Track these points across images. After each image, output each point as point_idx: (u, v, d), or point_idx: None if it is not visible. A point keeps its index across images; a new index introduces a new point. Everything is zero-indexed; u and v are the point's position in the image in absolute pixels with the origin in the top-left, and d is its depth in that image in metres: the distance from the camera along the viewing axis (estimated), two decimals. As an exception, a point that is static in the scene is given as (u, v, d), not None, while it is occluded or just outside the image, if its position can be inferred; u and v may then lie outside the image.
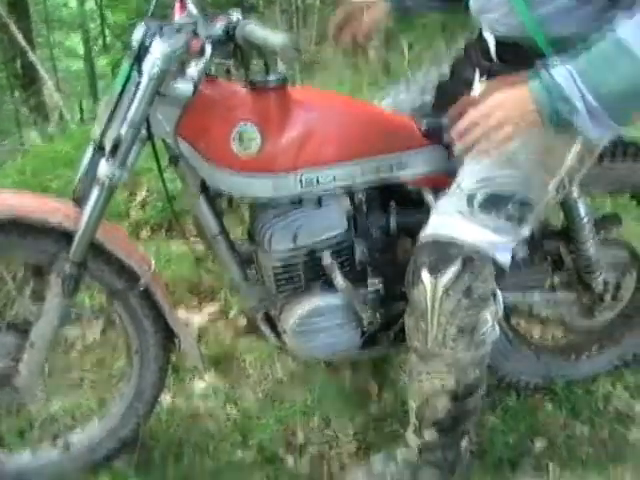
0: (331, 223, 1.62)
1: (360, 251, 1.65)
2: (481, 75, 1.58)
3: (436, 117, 1.63)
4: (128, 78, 1.43)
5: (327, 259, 1.60)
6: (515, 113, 1.26)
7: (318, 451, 1.87)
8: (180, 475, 1.77)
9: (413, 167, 1.63)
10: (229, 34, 1.41)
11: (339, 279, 1.62)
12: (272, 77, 1.48)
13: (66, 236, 1.51)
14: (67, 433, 1.81)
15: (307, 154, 1.52)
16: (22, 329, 1.60)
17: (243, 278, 1.67)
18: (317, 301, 1.63)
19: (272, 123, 1.49)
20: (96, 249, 1.54)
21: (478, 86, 1.57)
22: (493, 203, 1.45)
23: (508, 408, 1.97)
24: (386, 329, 1.72)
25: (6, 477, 1.74)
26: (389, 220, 1.67)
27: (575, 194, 1.73)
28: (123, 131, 1.42)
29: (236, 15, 1.44)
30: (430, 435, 1.62)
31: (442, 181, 1.59)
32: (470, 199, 1.45)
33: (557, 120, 1.25)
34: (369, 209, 1.65)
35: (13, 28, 6.06)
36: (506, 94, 1.27)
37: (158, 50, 1.38)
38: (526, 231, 1.50)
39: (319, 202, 1.59)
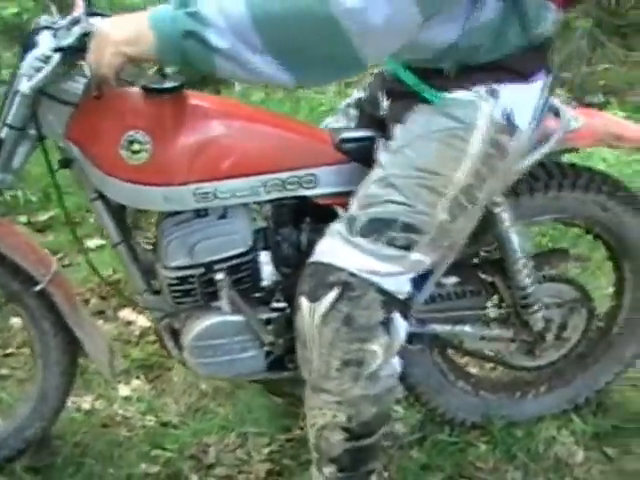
0: (233, 239, 1.51)
1: (265, 270, 1.56)
2: (386, 95, 1.49)
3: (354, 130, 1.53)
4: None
5: (222, 278, 1.50)
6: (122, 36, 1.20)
7: (226, 474, 1.79)
8: (75, 483, 1.72)
9: (325, 185, 1.51)
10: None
11: (236, 300, 1.53)
12: (167, 82, 1.40)
13: None
14: None
15: (202, 166, 1.42)
16: None
17: (146, 289, 1.60)
18: (215, 319, 1.54)
19: (164, 131, 1.41)
20: None
21: (385, 105, 1.48)
22: (374, 228, 1.33)
23: (437, 443, 1.85)
24: (294, 352, 1.62)
25: None
26: (300, 236, 1.56)
27: (507, 223, 1.60)
28: (3, 134, 1.37)
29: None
30: (329, 472, 1.50)
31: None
32: (350, 222, 1.35)
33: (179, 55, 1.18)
34: (279, 224, 1.56)
35: None
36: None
37: (33, 54, 1.32)
38: (420, 258, 1.37)
39: (223, 214, 1.50)
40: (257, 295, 1.57)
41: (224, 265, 1.51)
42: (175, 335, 1.62)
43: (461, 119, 1.34)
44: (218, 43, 1.15)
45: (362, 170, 1.49)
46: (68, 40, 1.27)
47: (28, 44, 1.35)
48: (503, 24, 1.29)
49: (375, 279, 1.33)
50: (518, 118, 1.37)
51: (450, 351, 1.88)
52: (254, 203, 1.52)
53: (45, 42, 1.33)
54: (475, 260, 1.74)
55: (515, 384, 1.96)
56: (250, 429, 1.90)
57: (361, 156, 1.50)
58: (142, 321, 2.28)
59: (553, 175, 1.65)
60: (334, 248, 1.35)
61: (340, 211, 1.53)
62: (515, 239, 1.62)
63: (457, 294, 1.70)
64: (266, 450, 1.85)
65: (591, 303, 1.83)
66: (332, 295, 1.32)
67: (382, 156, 1.40)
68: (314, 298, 1.33)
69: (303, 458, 1.81)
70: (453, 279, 1.68)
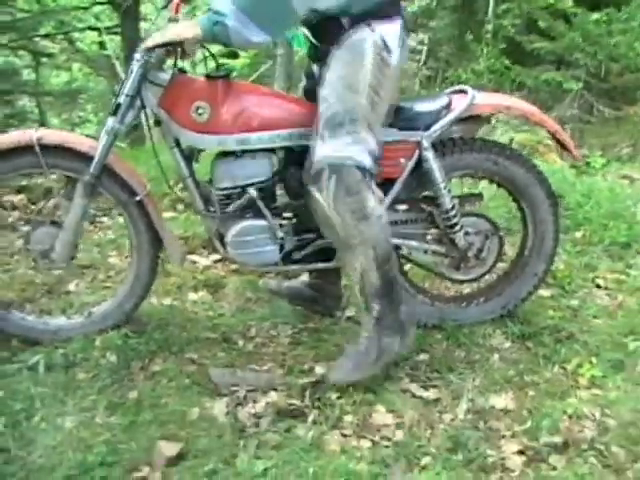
0: (259, 171, 2.38)
1: (279, 192, 2.43)
2: (316, 64, 2.41)
3: None
4: None
5: (253, 194, 2.36)
6: (179, 28, 2.15)
7: (262, 342, 2.65)
8: (163, 339, 2.57)
9: None
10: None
11: (262, 209, 2.39)
12: (220, 72, 2.31)
13: (90, 158, 2.36)
14: (90, 305, 2.67)
15: (240, 123, 2.30)
16: (58, 224, 2.44)
17: (204, 208, 2.45)
18: (247, 222, 2.40)
19: (218, 101, 2.29)
20: (109, 171, 2.40)
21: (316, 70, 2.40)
22: (335, 130, 2.18)
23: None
24: (299, 250, 2.49)
25: (48, 332, 2.56)
26: (301, 171, 2.35)
27: (435, 168, 2.45)
28: (122, 99, 2.30)
29: None
30: (376, 305, 2.29)
31: None
32: (322, 138, 2.20)
33: (215, 35, 2.08)
34: (288, 164, 2.41)
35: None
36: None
37: (136, 57, 2.28)
38: (370, 138, 2.21)
39: (254, 155, 2.37)
40: (274, 208, 2.43)
41: (253, 187, 2.38)
42: (221, 238, 2.47)
43: (357, 46, 2.18)
44: (229, 23, 2.07)
45: None
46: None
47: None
48: None
49: (351, 162, 2.20)
50: (389, 41, 2.20)
51: (409, 273, 2.72)
52: (272, 148, 2.39)
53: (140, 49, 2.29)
54: (419, 196, 2.58)
55: (461, 296, 2.80)
56: (279, 320, 2.76)
57: None
58: (203, 261, 3.18)
59: (457, 143, 2.52)
60: (319, 149, 2.20)
61: None
62: (438, 177, 2.46)
63: (406, 218, 2.56)
64: (290, 332, 2.71)
65: (500, 233, 2.66)
66: (332, 182, 2.19)
67: (321, 90, 2.23)
68: (319, 185, 2.21)
69: (315, 336, 2.66)
70: (404, 207, 2.55)
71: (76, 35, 12.35)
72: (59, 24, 11.04)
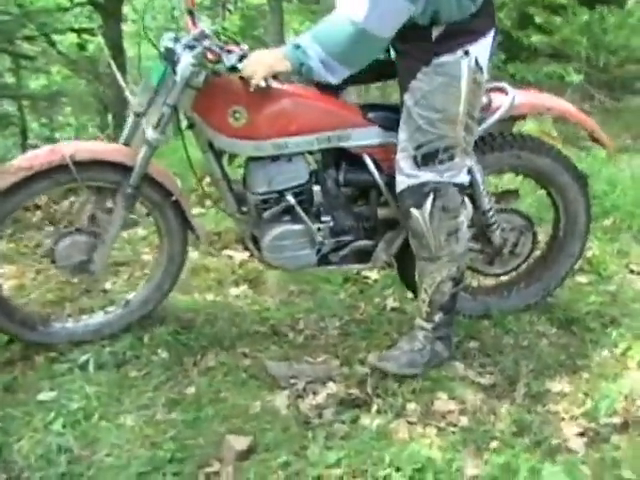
0: (296, 175, 2.31)
1: (316, 196, 2.37)
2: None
3: (378, 109, 2.39)
4: (164, 75, 2.18)
5: (291, 200, 2.30)
6: (270, 61, 2.09)
7: (311, 334, 2.63)
8: (212, 334, 2.55)
9: (356, 140, 2.32)
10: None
11: (300, 214, 2.33)
12: None
13: (125, 168, 2.28)
14: (125, 294, 2.63)
15: (279, 128, 2.23)
16: (93, 233, 2.38)
17: (237, 210, 2.39)
18: (284, 227, 2.35)
19: (256, 105, 2.21)
20: (146, 178, 2.32)
21: None
22: (428, 159, 2.20)
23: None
24: (336, 252, 2.46)
25: (89, 333, 2.50)
26: (338, 174, 2.38)
27: (475, 169, 2.42)
28: (164, 110, 2.18)
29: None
30: (439, 317, 2.37)
31: (378, 151, 2.34)
32: (415, 160, 2.21)
33: (301, 71, 2.07)
34: (325, 166, 2.38)
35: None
36: (265, 52, 2.15)
37: (186, 60, 2.10)
38: (465, 157, 2.25)
39: (290, 159, 2.30)
40: (312, 212, 2.38)
41: (291, 192, 2.31)
42: (255, 241, 2.44)
43: (452, 74, 2.13)
44: (313, 65, 2.07)
45: (379, 130, 2.35)
46: (232, 61, 2.11)
47: (169, 56, 2.17)
48: None
49: (453, 185, 2.23)
50: (482, 61, 2.16)
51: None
52: (309, 152, 2.36)
53: (185, 54, 2.13)
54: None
55: (501, 285, 2.81)
56: (325, 312, 2.75)
57: (379, 121, 2.35)
58: (239, 255, 3.15)
59: (485, 141, 2.49)
60: (411, 176, 2.22)
61: (366, 157, 2.36)
62: (479, 179, 2.45)
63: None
64: (338, 323, 2.70)
65: (534, 228, 2.67)
66: (430, 199, 2.21)
67: (410, 112, 2.19)
68: (420, 206, 2.22)
69: (363, 327, 2.66)
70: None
71: (56, 37, 12.20)
72: (40, 26, 10.92)
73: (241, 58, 2.14)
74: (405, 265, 2.55)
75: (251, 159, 2.33)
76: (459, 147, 2.23)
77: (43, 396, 2.22)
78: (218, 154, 2.35)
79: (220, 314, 2.68)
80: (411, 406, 2.23)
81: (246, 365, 2.40)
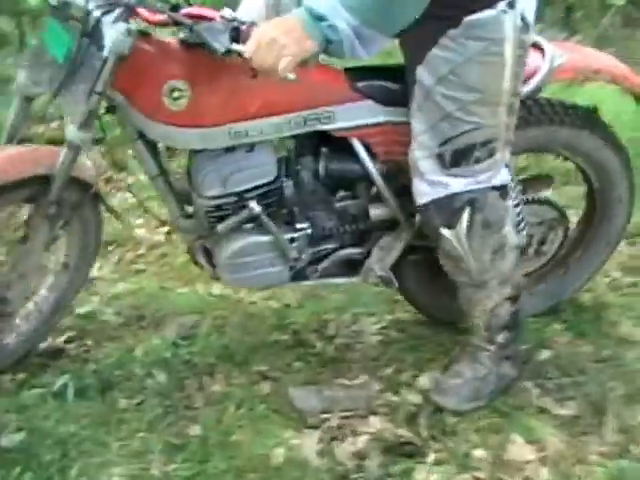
0: (261, 170, 1.71)
1: (289, 195, 1.77)
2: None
3: (371, 77, 1.77)
4: (76, 49, 1.54)
5: (254, 205, 1.71)
6: (291, 45, 1.40)
7: (345, 342, 2.12)
8: (221, 345, 2.04)
9: (341, 120, 1.71)
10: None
11: (266, 222, 1.74)
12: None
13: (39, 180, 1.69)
14: None
15: (235, 109, 1.62)
16: None
17: (181, 215, 1.80)
18: (247, 239, 1.77)
19: (202, 79, 1.59)
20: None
21: None
22: (460, 157, 1.62)
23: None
24: (315, 264, 1.88)
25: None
26: (318, 165, 1.78)
27: None
28: (92, 100, 1.56)
29: None
30: (503, 338, 1.87)
31: (371, 133, 1.74)
32: (441, 160, 1.62)
33: (327, 50, 1.48)
34: (300, 154, 1.78)
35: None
36: (273, 28, 1.42)
37: (118, 30, 1.50)
38: (501, 156, 1.66)
39: (251, 148, 1.69)
40: (283, 218, 1.80)
41: (254, 193, 1.71)
42: (207, 253, 1.85)
43: (492, 37, 1.52)
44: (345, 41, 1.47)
45: (374, 106, 1.74)
46: (224, 43, 1.43)
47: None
48: None
49: (486, 184, 1.66)
50: (528, 15, 1.57)
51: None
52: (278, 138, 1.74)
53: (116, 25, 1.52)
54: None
55: (537, 276, 2.21)
56: (361, 310, 2.23)
57: (372, 92, 1.73)
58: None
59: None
60: (440, 183, 1.64)
61: (355, 141, 1.76)
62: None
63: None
64: (376, 326, 2.18)
65: (566, 221, 2.12)
66: (466, 215, 1.65)
67: (432, 90, 1.58)
68: (452, 225, 1.66)
69: (409, 332, 2.15)
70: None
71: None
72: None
73: (235, 35, 1.47)
74: (408, 280, 2.03)
75: (197, 152, 1.71)
76: (501, 138, 1.65)
77: (6, 441, 1.73)
78: (151, 143, 1.74)
79: (229, 316, 2.17)
80: (477, 453, 1.74)
81: (264, 393, 1.91)
